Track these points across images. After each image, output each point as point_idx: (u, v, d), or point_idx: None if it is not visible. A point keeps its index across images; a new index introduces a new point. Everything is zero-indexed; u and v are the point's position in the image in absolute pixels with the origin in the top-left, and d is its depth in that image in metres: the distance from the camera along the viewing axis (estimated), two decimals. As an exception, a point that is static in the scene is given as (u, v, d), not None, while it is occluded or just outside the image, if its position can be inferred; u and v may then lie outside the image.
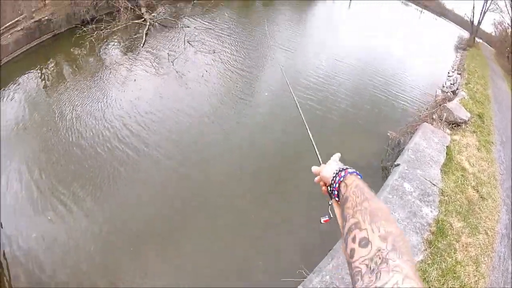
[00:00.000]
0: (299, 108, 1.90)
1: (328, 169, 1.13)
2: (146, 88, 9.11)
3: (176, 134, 7.33)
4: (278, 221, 5.70)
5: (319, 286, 3.15)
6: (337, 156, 1.23)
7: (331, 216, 1.13)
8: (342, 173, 1.05)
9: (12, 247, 4.84)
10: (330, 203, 1.11)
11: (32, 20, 11.29)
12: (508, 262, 5.62)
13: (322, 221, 1.19)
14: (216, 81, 9.96)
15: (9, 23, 10.45)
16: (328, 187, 1.11)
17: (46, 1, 12.24)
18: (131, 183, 5.94)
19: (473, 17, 30.36)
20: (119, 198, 5.64)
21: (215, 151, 6.93)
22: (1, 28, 10.17)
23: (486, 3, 28.59)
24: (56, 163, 6.19)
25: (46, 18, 11.70)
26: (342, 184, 1.03)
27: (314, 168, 1.23)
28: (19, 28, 10.78)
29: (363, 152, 7.42)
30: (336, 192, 1.06)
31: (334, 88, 11.11)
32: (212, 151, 6.93)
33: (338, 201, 1.04)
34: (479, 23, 30.17)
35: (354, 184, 0.99)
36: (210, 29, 13.92)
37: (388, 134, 7.49)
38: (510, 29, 31.36)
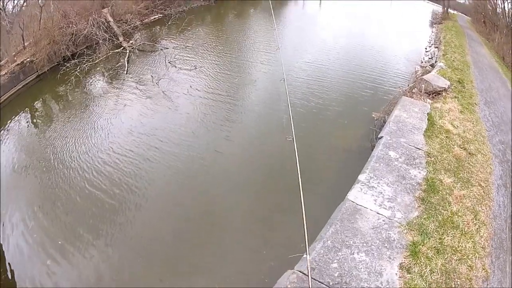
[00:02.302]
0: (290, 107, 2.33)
1: None
2: (136, 113, 9.43)
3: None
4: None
5: (322, 252, 3.50)
6: None
7: None
8: None
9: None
10: None
11: (15, 64, 11.55)
12: (509, 210, 5.90)
13: None
14: (202, 95, 10.38)
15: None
16: None
17: (25, 43, 12.64)
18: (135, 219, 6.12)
19: (442, -11, 30.68)
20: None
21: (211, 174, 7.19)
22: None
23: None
24: (55, 206, 6.42)
25: (28, 60, 11.98)
26: None
27: None
28: (3, 73, 11.03)
29: (354, 137, 7.83)
30: None
31: (321, 89, 11.49)
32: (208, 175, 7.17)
33: None
34: (449, -6, 30.73)
35: None
36: (188, 46, 14.41)
37: (373, 115, 7.88)
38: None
